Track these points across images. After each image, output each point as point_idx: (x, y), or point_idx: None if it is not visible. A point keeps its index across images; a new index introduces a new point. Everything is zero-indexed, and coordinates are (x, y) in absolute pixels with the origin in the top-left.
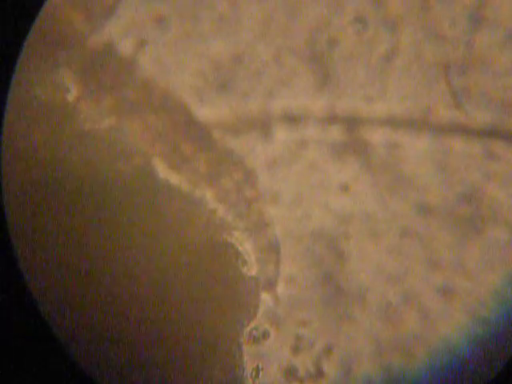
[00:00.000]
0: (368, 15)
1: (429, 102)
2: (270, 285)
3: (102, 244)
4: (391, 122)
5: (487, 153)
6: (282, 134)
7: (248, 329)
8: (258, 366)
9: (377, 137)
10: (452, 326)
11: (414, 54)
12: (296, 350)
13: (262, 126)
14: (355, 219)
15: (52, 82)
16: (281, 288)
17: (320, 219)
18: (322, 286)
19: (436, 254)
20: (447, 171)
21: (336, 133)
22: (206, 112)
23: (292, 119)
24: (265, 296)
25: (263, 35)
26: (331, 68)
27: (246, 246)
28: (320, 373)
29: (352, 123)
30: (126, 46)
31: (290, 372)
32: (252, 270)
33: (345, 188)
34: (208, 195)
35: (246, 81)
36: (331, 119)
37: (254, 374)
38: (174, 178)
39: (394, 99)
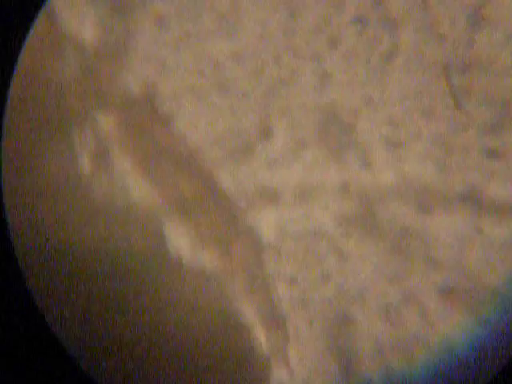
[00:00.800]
0: (368, 15)
1: (429, 101)
2: (281, 359)
3: (114, 315)
4: (391, 123)
5: (487, 152)
6: (282, 134)
7: None
8: None
9: (376, 135)
10: (452, 325)
11: (414, 53)
12: None
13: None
14: (355, 219)
15: (64, 155)
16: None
17: (320, 219)
18: (322, 285)
19: (436, 254)
20: (447, 170)
21: (334, 134)
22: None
23: (292, 117)
24: (276, 372)
25: (263, 35)
26: (331, 68)
27: (257, 321)
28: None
29: (352, 122)
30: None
31: None
32: (263, 345)
33: (345, 188)
34: (220, 268)
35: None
36: (331, 119)
37: None
38: (186, 250)
39: (394, 99)
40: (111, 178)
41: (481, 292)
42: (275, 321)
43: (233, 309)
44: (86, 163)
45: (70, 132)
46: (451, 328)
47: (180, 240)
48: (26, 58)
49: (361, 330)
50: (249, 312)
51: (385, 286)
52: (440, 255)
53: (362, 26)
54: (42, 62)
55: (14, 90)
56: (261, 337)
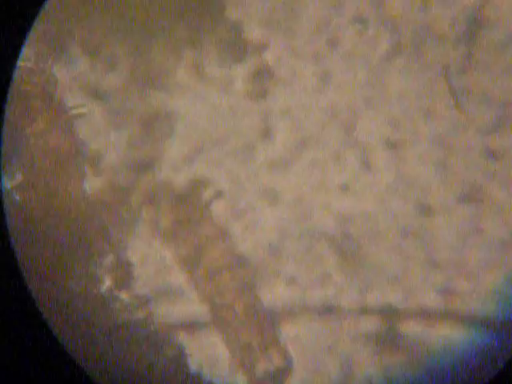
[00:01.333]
0: (368, 15)
1: (429, 101)
2: None
3: None
4: (391, 123)
5: (487, 152)
6: (282, 135)
7: None
8: None
9: (376, 135)
10: (452, 325)
11: (414, 53)
12: None
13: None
14: (355, 219)
15: (86, 274)
16: (282, 290)
17: (320, 219)
18: (321, 286)
19: (436, 254)
20: (447, 171)
21: (334, 135)
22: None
23: (293, 118)
24: None
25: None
26: (331, 68)
27: None
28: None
29: (352, 121)
30: None
31: None
32: None
33: (345, 188)
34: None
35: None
36: (331, 119)
37: None
38: (206, 371)
39: (394, 99)
40: (132, 293)
41: (481, 292)
42: None
43: None
44: (106, 281)
45: (91, 252)
46: (451, 328)
47: (203, 355)
48: (45, 176)
49: (361, 329)
50: None
51: (385, 284)
52: (440, 255)
53: (362, 27)
54: (60, 181)
55: (34, 210)
56: None
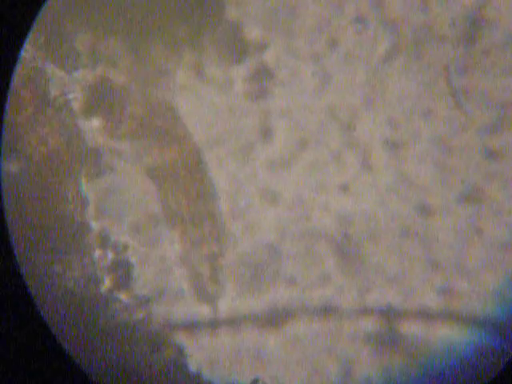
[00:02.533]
0: (368, 15)
1: (429, 102)
2: None
3: None
4: (391, 123)
5: (487, 152)
6: (281, 135)
7: None
8: None
9: (376, 135)
10: (452, 325)
11: (414, 54)
12: None
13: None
14: (355, 219)
15: (84, 274)
16: (281, 291)
17: (320, 219)
18: (321, 286)
19: (436, 254)
20: (447, 171)
21: (334, 136)
22: None
23: (293, 118)
24: None
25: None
26: (331, 69)
27: None
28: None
29: (352, 121)
30: None
31: None
32: None
33: (344, 188)
34: None
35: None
36: (331, 120)
37: None
38: (206, 371)
39: (394, 99)
40: (131, 294)
41: (481, 292)
42: None
43: None
44: (105, 281)
45: (91, 251)
46: (451, 328)
47: (202, 355)
48: (42, 171)
49: (361, 329)
50: None
51: (385, 285)
52: (440, 255)
53: (362, 27)
54: (57, 179)
55: (30, 203)
56: None
